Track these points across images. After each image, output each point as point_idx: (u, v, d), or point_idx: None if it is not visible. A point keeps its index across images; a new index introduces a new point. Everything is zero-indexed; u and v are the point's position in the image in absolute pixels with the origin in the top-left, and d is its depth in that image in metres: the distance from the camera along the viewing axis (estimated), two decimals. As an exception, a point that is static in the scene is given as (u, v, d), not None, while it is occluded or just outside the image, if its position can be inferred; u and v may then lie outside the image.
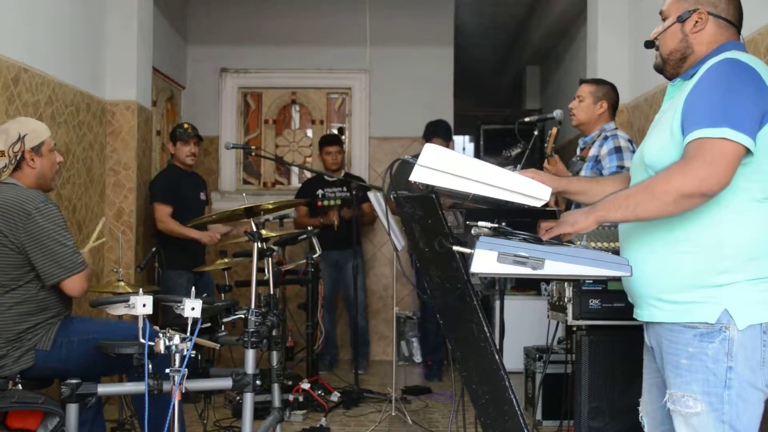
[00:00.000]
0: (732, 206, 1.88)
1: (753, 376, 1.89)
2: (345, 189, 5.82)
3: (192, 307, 2.34)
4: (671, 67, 2.10)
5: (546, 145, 3.62)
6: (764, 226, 1.90)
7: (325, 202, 5.83)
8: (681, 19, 2.05)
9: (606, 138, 3.64)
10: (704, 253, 1.91)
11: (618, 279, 2.01)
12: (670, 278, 1.96)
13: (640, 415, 2.23)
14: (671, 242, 1.96)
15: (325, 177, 5.85)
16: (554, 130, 3.56)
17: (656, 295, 1.99)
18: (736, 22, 2.06)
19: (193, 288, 2.54)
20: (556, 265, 1.86)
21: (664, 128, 1.98)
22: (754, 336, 1.89)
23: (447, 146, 5.57)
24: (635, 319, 2.14)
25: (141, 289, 2.44)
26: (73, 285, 2.81)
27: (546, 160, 3.63)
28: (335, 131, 6.82)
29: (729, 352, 1.88)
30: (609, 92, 3.76)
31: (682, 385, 1.94)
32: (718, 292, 1.90)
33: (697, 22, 2.03)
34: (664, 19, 2.12)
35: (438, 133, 5.58)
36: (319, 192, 5.88)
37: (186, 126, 5.06)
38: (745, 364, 1.89)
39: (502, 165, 1.99)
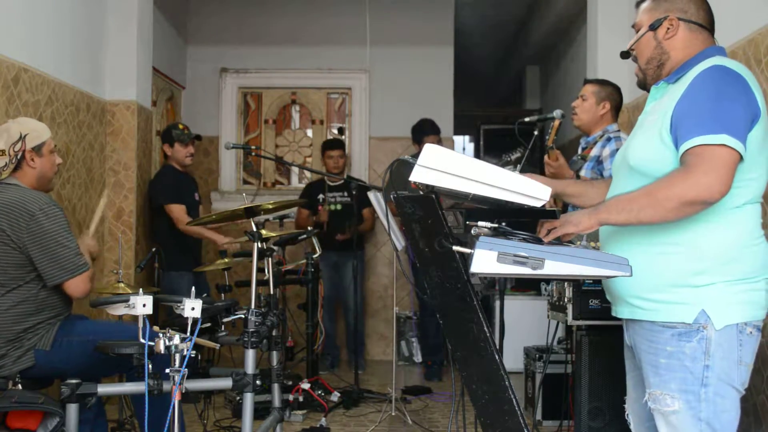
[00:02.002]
0: (711, 210, 1.91)
1: (730, 375, 1.93)
2: (346, 194, 5.83)
3: (192, 307, 2.34)
4: (651, 78, 2.15)
5: (547, 137, 3.60)
6: (740, 229, 1.95)
7: (326, 207, 5.83)
8: (653, 27, 2.10)
9: (609, 139, 3.64)
10: (682, 254, 1.95)
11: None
12: (650, 278, 1.99)
13: (626, 413, 2.25)
14: (651, 243, 1.99)
15: (327, 181, 5.85)
16: (556, 122, 3.54)
17: (636, 294, 2.02)
18: (707, 25, 2.10)
19: (193, 288, 2.54)
20: (556, 265, 1.87)
21: (651, 132, 2.01)
22: (730, 336, 1.93)
23: (439, 140, 5.61)
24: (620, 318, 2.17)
25: (141, 289, 2.44)
26: (76, 286, 2.81)
27: (547, 154, 3.61)
28: (335, 131, 6.82)
29: (707, 351, 1.92)
30: (612, 93, 3.75)
31: (661, 384, 1.97)
32: (696, 292, 1.93)
33: (668, 28, 2.08)
34: (637, 31, 2.16)
35: (427, 131, 5.60)
36: (321, 197, 5.88)
37: (181, 127, 5.04)
38: (722, 363, 1.92)
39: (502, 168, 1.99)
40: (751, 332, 1.95)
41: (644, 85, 2.18)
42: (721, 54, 2.05)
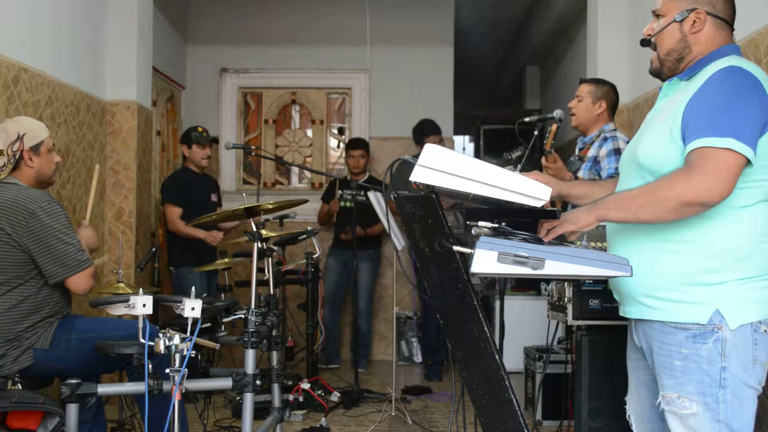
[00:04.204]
0: (722, 208, 1.90)
1: (746, 375, 1.92)
2: (363, 193, 5.84)
3: (192, 307, 2.34)
4: (668, 69, 2.10)
5: (545, 141, 3.61)
6: (752, 227, 1.93)
7: (341, 203, 5.89)
8: (679, 19, 2.04)
9: (605, 139, 3.64)
10: (693, 252, 1.93)
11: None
12: (660, 277, 1.97)
13: (627, 413, 2.24)
14: (660, 241, 1.97)
15: (349, 179, 5.88)
16: (554, 126, 3.55)
17: (646, 293, 2.00)
18: (731, 21, 2.07)
19: (193, 288, 2.54)
20: (556, 265, 1.86)
21: (662, 130, 1.98)
22: (745, 335, 1.91)
23: (440, 140, 5.64)
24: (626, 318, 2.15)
25: (141, 289, 2.44)
26: (78, 282, 2.81)
27: (544, 157, 3.61)
28: (335, 131, 6.83)
29: (722, 353, 1.90)
30: (608, 92, 3.76)
31: (677, 386, 1.95)
32: (708, 291, 1.91)
33: (695, 22, 2.03)
34: (657, 17, 2.11)
35: (427, 131, 5.62)
36: (339, 192, 5.92)
37: (200, 129, 5.15)
38: (738, 364, 1.91)
39: (503, 166, 1.99)
40: (765, 330, 1.93)
41: (659, 74, 2.13)
42: (736, 53, 2.01)
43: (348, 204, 5.89)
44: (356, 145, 6.03)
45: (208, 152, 5.16)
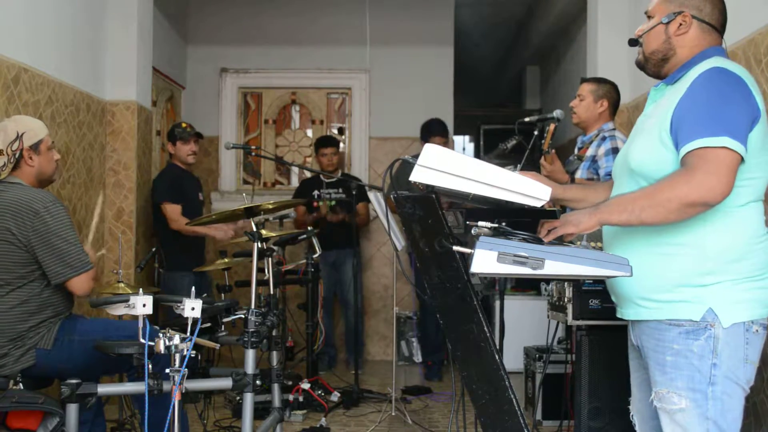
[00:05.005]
0: (715, 210, 1.92)
1: (736, 373, 1.94)
2: (341, 190, 5.84)
3: (192, 307, 2.34)
4: (652, 66, 2.15)
5: (543, 141, 3.61)
6: (745, 228, 1.96)
7: (321, 203, 5.86)
8: (665, 21, 2.08)
9: (604, 138, 3.65)
10: (688, 254, 1.95)
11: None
12: (656, 279, 1.99)
13: (631, 414, 2.26)
14: (655, 244, 2.00)
15: (322, 178, 5.86)
16: (551, 126, 3.56)
17: (642, 295, 2.03)
18: (719, 27, 2.10)
19: (193, 288, 2.54)
20: (556, 265, 1.87)
21: (651, 134, 2.01)
22: (737, 334, 1.93)
23: (446, 142, 5.62)
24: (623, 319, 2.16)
25: (141, 289, 2.44)
26: (80, 284, 2.81)
27: (543, 157, 3.62)
28: (335, 131, 6.82)
29: (714, 350, 1.93)
30: (610, 91, 3.76)
31: (667, 382, 1.98)
32: (703, 291, 1.94)
33: (681, 24, 2.07)
34: (649, 18, 2.15)
35: (434, 131, 5.60)
36: (316, 193, 5.89)
37: (184, 125, 5.05)
38: (729, 362, 1.93)
39: (499, 157, 1.99)
40: (757, 330, 1.96)
41: (643, 67, 2.19)
42: (720, 54, 2.05)
43: (330, 203, 5.89)
44: (327, 143, 5.93)
45: (192, 147, 5.01)
